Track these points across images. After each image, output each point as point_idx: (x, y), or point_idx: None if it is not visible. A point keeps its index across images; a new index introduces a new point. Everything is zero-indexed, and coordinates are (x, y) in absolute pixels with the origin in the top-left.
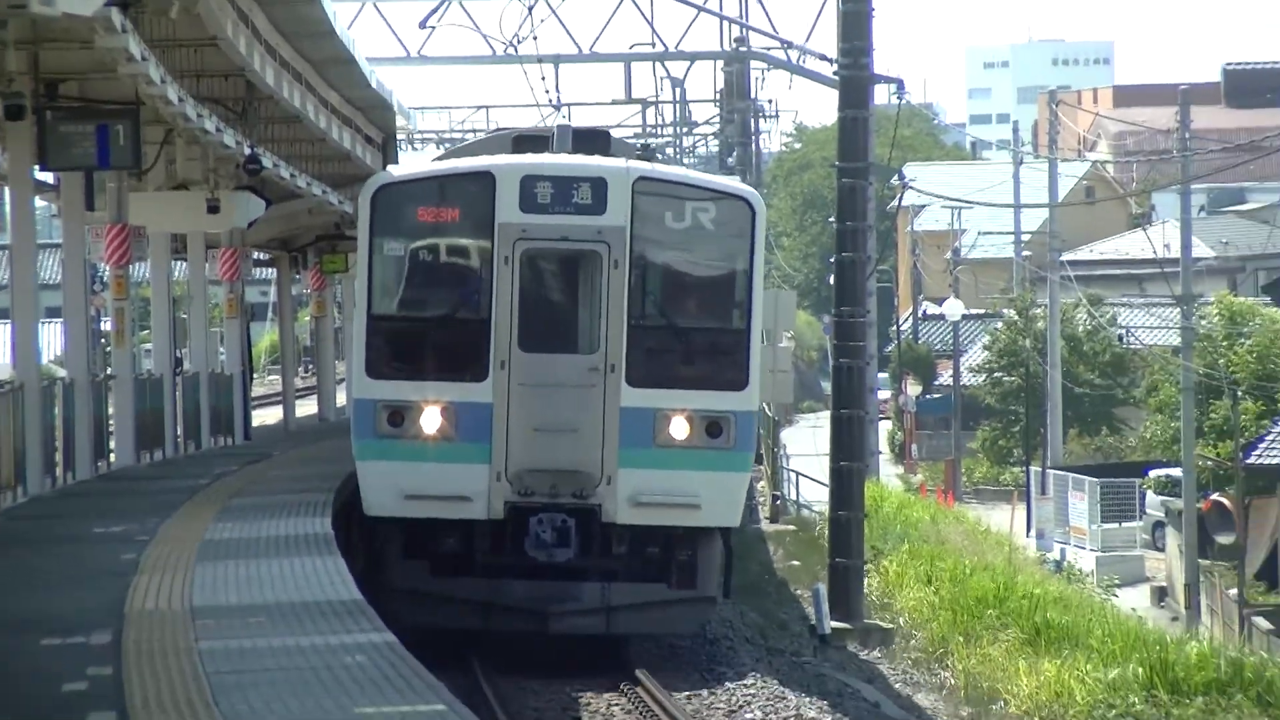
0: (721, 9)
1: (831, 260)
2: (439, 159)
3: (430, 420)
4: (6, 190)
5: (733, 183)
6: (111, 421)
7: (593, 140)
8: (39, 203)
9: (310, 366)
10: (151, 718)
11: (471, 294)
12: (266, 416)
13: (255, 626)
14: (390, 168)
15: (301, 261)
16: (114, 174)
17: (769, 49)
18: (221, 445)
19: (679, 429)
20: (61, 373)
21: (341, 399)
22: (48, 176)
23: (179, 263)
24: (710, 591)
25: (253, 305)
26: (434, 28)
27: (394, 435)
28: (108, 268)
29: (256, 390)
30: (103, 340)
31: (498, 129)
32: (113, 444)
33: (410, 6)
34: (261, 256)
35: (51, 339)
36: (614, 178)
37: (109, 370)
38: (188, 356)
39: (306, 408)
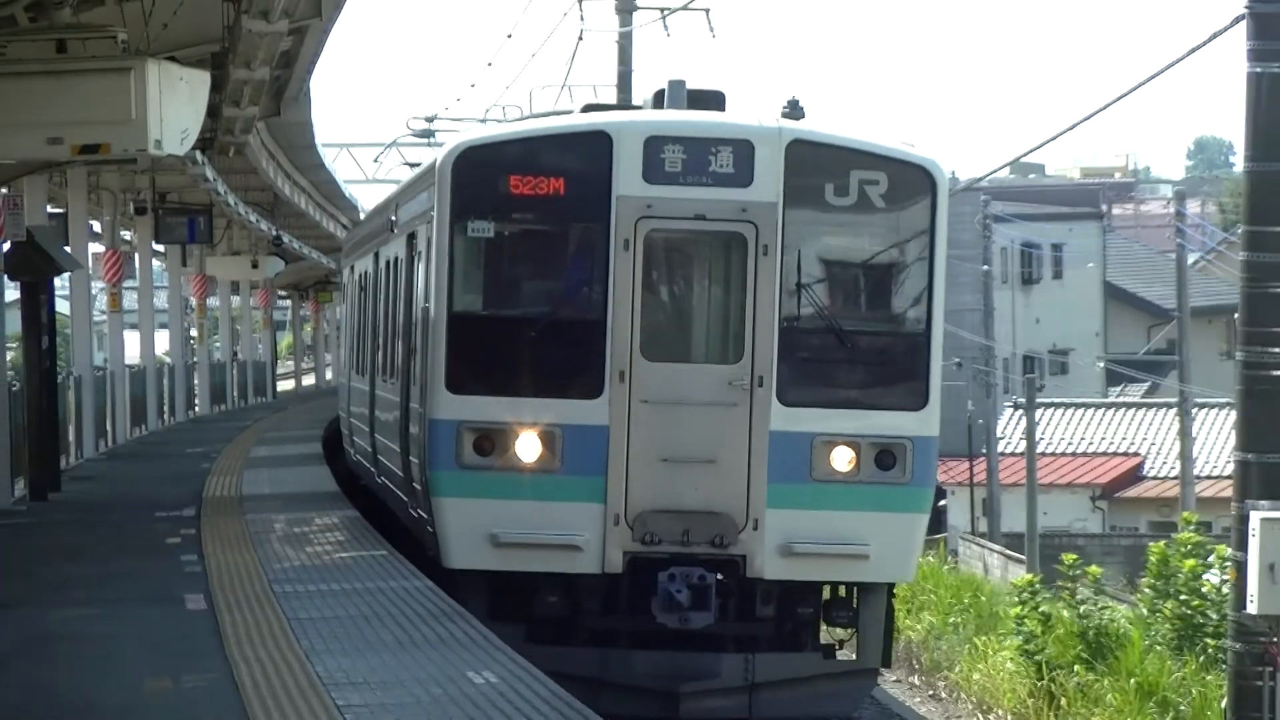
0: None
1: None
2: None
3: (528, 447)
4: (136, 255)
5: (907, 147)
6: (196, 388)
7: (710, 103)
8: (155, 263)
9: (310, 356)
10: (218, 555)
11: (581, 287)
12: (284, 385)
13: (277, 506)
14: (468, 129)
15: (306, 296)
16: (197, 246)
17: None
18: (260, 402)
19: (842, 459)
20: (168, 360)
21: (328, 375)
22: (160, 247)
23: (234, 297)
24: (873, 662)
25: (278, 321)
26: (381, 161)
27: (482, 466)
28: (194, 299)
29: (280, 370)
30: (191, 341)
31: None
32: (196, 401)
33: (369, 150)
34: (282, 293)
35: (161, 340)
36: (762, 140)
37: (195, 359)
38: (240, 351)
39: (308, 380)
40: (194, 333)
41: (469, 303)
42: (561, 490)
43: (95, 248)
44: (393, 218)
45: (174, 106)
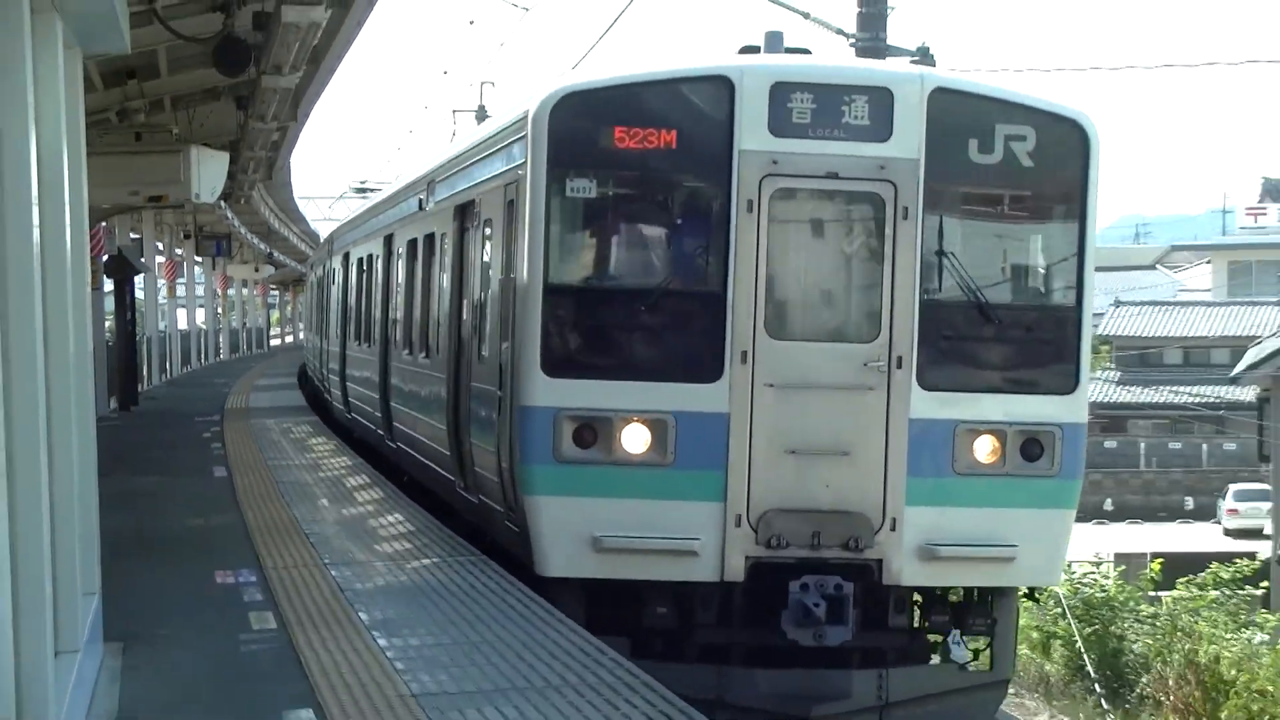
0: None
1: None
2: None
3: (636, 438)
4: (185, 263)
5: (1057, 100)
6: (220, 343)
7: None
8: (196, 268)
9: (290, 325)
10: (234, 445)
11: (696, 255)
12: (275, 342)
13: (270, 414)
14: (569, 72)
15: (287, 288)
16: (222, 258)
17: None
18: (259, 352)
19: (984, 449)
20: (204, 326)
21: (300, 336)
22: (199, 258)
23: (245, 289)
24: (1006, 673)
25: (270, 303)
26: (333, 207)
27: (582, 460)
28: (220, 290)
29: (271, 334)
30: (218, 315)
31: None
32: (221, 351)
33: (325, 200)
34: (274, 288)
35: (199, 315)
36: (902, 88)
37: (220, 326)
38: (247, 321)
39: (289, 339)
40: (220, 310)
41: (567, 273)
42: (674, 487)
43: (159, 259)
44: (422, 197)
45: (207, 173)
